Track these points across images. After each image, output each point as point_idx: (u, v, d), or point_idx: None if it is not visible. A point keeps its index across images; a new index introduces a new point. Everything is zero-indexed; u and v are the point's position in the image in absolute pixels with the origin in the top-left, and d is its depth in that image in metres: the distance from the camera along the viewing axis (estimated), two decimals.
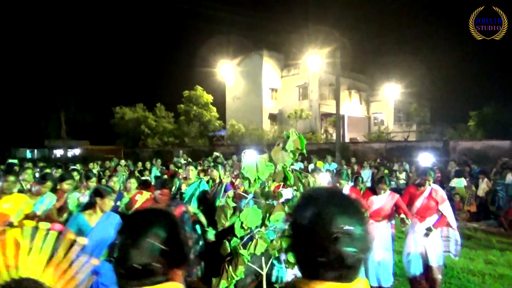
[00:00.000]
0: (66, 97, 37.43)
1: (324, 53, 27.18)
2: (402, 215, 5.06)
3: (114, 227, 3.30)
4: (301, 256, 1.03)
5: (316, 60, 28.47)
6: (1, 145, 45.20)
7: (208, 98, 34.40)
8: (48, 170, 6.91)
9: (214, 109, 34.83)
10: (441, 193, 4.98)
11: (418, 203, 4.99)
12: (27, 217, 3.95)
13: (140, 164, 11.23)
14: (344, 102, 32.08)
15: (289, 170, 3.19)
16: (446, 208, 4.91)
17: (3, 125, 44.01)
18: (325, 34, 25.74)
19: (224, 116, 35.82)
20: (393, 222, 5.31)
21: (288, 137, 3.25)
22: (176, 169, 10.65)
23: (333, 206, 1.03)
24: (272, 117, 34.10)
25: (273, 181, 3.24)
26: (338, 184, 5.47)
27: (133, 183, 5.55)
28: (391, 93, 34.72)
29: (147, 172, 9.85)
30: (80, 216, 3.45)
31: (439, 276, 4.84)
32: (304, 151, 3.22)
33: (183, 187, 6.11)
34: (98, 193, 3.54)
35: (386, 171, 11.57)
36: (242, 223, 3.11)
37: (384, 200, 5.00)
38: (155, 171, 10.28)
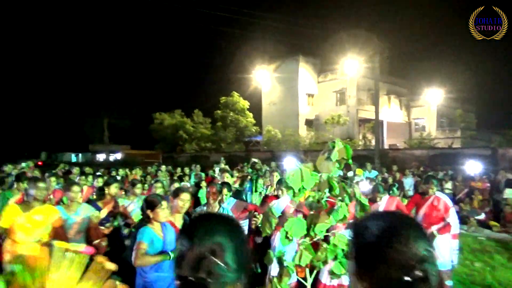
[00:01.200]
0: (108, 103, 39.14)
1: (362, 58, 26.71)
2: None
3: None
4: (381, 277, 0.98)
5: (353, 65, 28.00)
6: (49, 149, 47.88)
7: (245, 104, 34.69)
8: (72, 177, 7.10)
9: (251, 114, 35.06)
10: (444, 201, 5.09)
11: (422, 212, 5.14)
12: (56, 230, 3.86)
13: (179, 169, 11.46)
14: (383, 107, 31.28)
15: (334, 180, 3.12)
16: (450, 215, 5.02)
17: (51, 131, 46.62)
18: (363, 38, 25.30)
19: (260, 122, 35.97)
20: None
21: (333, 147, 3.17)
22: (215, 176, 10.77)
23: (409, 227, 1.02)
24: (309, 123, 33.82)
25: (318, 191, 3.17)
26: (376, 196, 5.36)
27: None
28: (434, 97, 33.45)
29: (186, 178, 10.02)
30: (147, 228, 3.25)
31: (448, 282, 4.86)
32: (350, 161, 3.14)
33: None
34: (149, 204, 3.30)
35: None
36: (286, 233, 3.07)
37: (382, 205, 5.10)
38: (193, 177, 10.44)
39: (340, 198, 3.27)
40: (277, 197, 4.88)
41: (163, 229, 3.29)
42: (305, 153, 25.20)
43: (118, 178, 10.09)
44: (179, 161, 28.54)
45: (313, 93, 34.43)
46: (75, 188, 4.30)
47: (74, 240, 4.05)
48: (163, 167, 11.35)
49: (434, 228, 4.93)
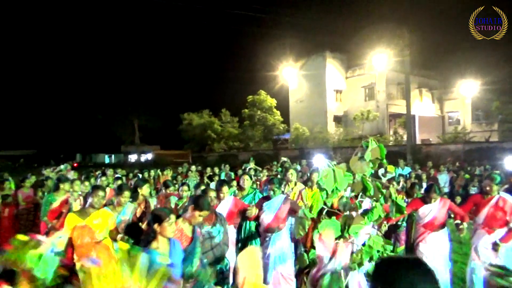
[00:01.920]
0: (138, 105, 40.16)
1: (391, 51, 26.03)
2: (457, 221, 4.75)
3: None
4: None
5: (382, 59, 27.36)
6: (83, 151, 49.74)
7: (272, 102, 34.64)
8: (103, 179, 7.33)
9: (278, 112, 34.97)
10: (511, 203, 4.49)
11: (484, 213, 4.58)
12: (111, 233, 4.18)
13: (209, 169, 11.58)
14: (415, 101, 30.41)
15: (369, 181, 3.05)
16: None
17: (85, 133, 48.34)
18: (392, 31, 24.63)
19: (288, 120, 35.83)
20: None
21: (367, 146, 3.10)
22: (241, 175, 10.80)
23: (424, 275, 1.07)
24: (337, 119, 33.37)
25: (352, 191, 3.12)
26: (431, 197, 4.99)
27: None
28: (468, 90, 32.10)
29: (216, 178, 10.08)
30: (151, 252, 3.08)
31: None
32: (385, 160, 3.06)
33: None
34: (156, 218, 3.02)
35: (466, 176, 10.65)
36: (320, 235, 3.03)
37: (436, 208, 4.68)
38: (223, 177, 10.49)
39: (375, 198, 3.20)
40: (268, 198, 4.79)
41: (170, 246, 3.01)
42: (334, 150, 24.88)
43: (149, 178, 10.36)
44: (208, 161, 28.89)
45: (341, 89, 33.92)
46: (126, 193, 4.61)
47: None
48: (193, 167, 11.50)
49: (496, 237, 4.46)
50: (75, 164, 24.90)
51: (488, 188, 4.63)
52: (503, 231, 4.48)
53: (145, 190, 5.21)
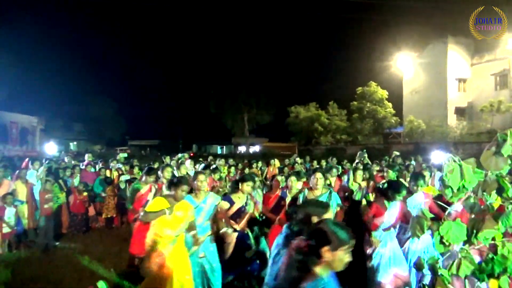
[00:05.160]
0: (248, 99, 41.94)
1: None
2: None
3: None
4: None
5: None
6: (199, 142, 54.13)
7: (383, 93, 32.71)
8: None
9: (390, 104, 32.86)
10: None
11: None
12: (191, 225, 4.13)
13: (315, 162, 11.45)
14: None
15: (505, 179, 2.60)
16: None
17: (201, 126, 52.56)
18: None
19: (400, 112, 33.47)
20: None
21: (504, 139, 2.64)
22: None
23: None
24: (460, 112, 29.92)
25: (483, 191, 2.70)
26: None
27: (293, 181, 5.21)
28: None
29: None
30: None
31: None
32: None
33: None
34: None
35: None
36: (441, 237, 2.70)
37: None
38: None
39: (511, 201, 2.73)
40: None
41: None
42: (455, 145, 22.40)
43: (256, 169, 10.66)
44: (315, 154, 28.67)
45: (465, 78, 30.25)
46: (201, 177, 4.48)
47: (201, 227, 4.32)
48: (298, 159, 11.50)
49: None
50: (191, 154, 27.17)
51: None
52: None
53: (245, 187, 4.83)
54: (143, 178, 5.79)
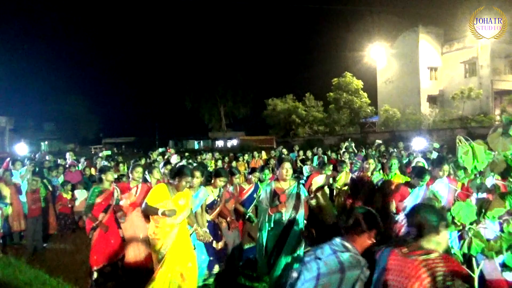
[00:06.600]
0: (224, 93, 41.70)
1: (497, 20, 23.01)
2: None
3: None
4: None
5: (487, 29, 24.38)
6: (175, 138, 53.54)
7: (358, 83, 33.26)
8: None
9: (365, 94, 33.48)
10: None
11: None
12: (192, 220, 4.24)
13: (301, 152, 11.50)
14: None
15: None
16: None
17: (176, 121, 51.87)
18: None
19: (375, 102, 34.14)
20: None
21: (510, 121, 2.74)
22: (336, 157, 10.56)
23: None
24: (432, 99, 30.81)
25: (492, 171, 2.79)
26: None
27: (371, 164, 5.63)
28: None
29: (309, 162, 10.01)
30: None
31: None
32: None
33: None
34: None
35: None
36: (453, 218, 2.79)
37: None
38: (316, 160, 10.36)
39: None
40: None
41: None
42: (429, 132, 23.09)
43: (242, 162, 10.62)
44: (293, 146, 28.83)
45: (437, 66, 31.14)
46: (197, 173, 4.51)
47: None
48: (284, 151, 11.56)
49: None
50: (168, 150, 26.77)
51: None
52: None
53: (218, 182, 4.80)
54: (131, 176, 5.28)
